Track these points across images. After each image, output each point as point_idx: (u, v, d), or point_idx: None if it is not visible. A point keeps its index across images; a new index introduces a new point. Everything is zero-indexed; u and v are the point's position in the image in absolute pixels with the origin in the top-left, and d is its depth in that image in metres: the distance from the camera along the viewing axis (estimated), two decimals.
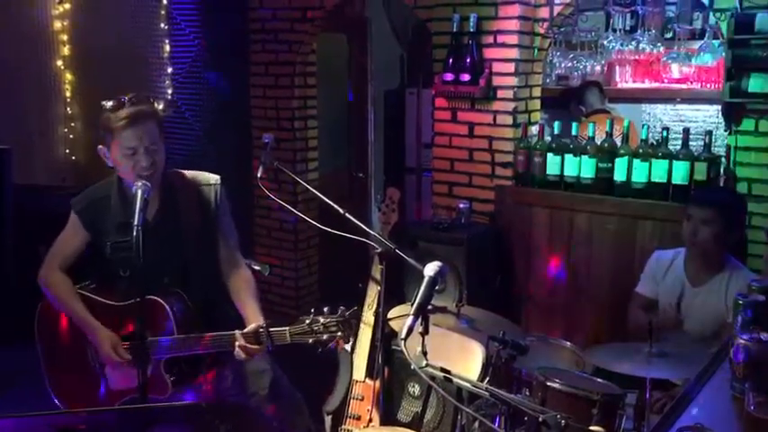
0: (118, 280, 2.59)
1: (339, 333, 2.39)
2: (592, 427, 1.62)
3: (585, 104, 5.13)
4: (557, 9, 3.87)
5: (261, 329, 2.45)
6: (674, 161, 3.44)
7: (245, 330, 2.47)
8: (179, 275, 2.62)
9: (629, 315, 3.26)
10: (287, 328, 2.43)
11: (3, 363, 3.97)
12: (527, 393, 2.58)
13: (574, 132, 3.75)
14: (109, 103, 2.50)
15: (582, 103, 5.15)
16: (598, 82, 5.18)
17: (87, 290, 2.68)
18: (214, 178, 2.72)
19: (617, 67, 5.33)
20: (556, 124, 3.81)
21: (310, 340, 2.40)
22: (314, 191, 3.11)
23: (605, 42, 4.33)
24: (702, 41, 4.17)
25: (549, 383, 2.41)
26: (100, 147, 2.56)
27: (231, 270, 2.71)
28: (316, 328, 2.39)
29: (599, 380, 2.56)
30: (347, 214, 2.83)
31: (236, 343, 2.46)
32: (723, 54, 3.45)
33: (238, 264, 2.73)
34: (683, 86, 5.03)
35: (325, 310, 2.42)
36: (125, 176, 2.55)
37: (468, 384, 1.83)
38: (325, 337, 2.39)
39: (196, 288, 2.62)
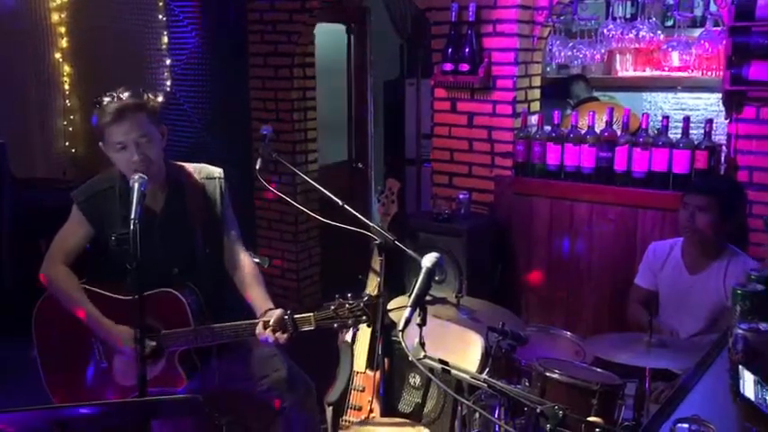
0: (125, 273, 2.58)
1: (364, 317, 2.41)
2: (590, 418, 1.61)
3: (572, 96, 5.17)
4: None
5: (285, 316, 2.45)
6: (675, 150, 3.43)
7: (272, 318, 2.45)
8: (187, 268, 2.63)
9: (629, 311, 3.26)
10: (312, 314, 2.45)
11: None
12: (527, 384, 2.58)
13: (573, 122, 3.74)
14: (98, 101, 2.50)
15: (569, 95, 5.18)
16: (583, 75, 5.22)
17: (93, 284, 2.64)
18: (218, 172, 2.74)
19: (617, 56, 5.31)
20: (555, 114, 3.80)
21: (335, 325, 2.43)
22: (313, 183, 3.09)
23: (605, 30, 4.30)
24: (703, 29, 4.14)
25: (548, 374, 2.42)
26: (100, 143, 2.56)
27: (235, 261, 2.72)
28: (341, 312, 2.41)
29: (598, 370, 2.56)
30: (346, 206, 2.82)
31: (264, 331, 2.44)
32: (724, 42, 3.43)
33: (242, 255, 2.74)
34: (684, 74, 5.02)
35: (349, 295, 2.45)
36: (122, 171, 2.55)
37: (465, 376, 1.83)
38: (350, 321, 2.41)
39: (203, 280, 2.63)
